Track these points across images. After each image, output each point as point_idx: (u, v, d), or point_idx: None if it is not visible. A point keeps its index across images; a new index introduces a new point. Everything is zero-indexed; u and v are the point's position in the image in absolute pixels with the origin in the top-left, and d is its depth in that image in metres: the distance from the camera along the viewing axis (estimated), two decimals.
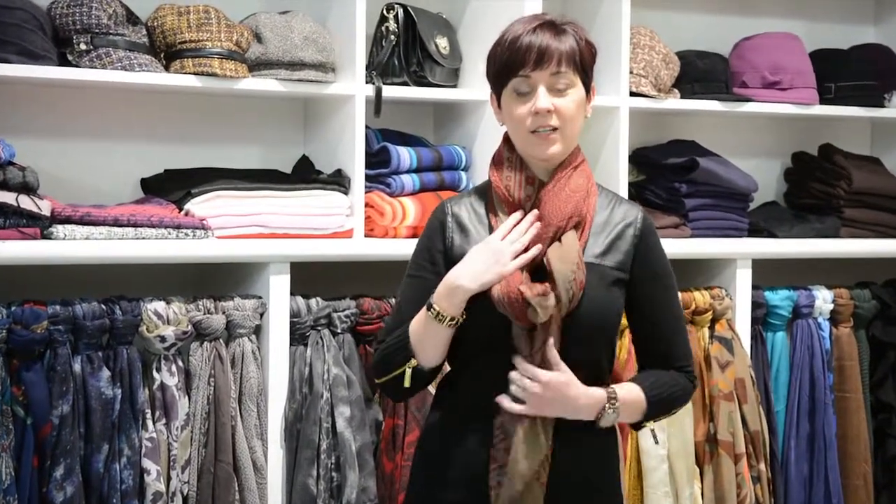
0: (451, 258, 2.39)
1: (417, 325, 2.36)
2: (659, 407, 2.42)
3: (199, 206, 3.14)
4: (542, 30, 2.33)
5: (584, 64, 2.36)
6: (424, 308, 2.34)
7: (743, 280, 3.73)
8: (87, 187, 3.29)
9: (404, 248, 3.32)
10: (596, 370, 2.39)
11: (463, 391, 2.41)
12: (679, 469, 3.52)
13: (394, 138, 3.51)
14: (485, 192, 2.45)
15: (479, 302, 2.31)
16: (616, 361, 2.49)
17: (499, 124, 2.43)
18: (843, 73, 4.12)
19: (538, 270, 2.32)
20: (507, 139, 2.42)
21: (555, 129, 2.32)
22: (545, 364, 2.29)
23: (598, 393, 2.33)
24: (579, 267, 2.30)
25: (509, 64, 2.33)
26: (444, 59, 3.53)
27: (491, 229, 2.38)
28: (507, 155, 2.40)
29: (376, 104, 3.34)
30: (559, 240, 2.32)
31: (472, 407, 2.37)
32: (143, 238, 3.01)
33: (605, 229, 2.39)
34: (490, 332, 2.32)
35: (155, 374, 2.96)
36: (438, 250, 2.41)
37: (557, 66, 2.31)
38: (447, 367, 2.47)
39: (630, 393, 2.38)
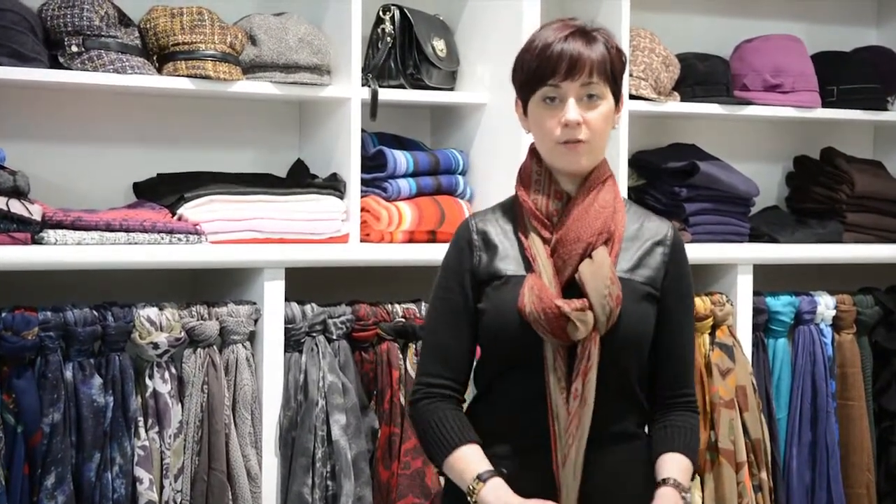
0: (479, 276, 2.35)
1: (455, 471, 2.29)
2: (696, 456, 2.41)
3: (193, 210, 3.12)
4: (574, 38, 2.28)
5: (614, 73, 2.32)
6: (469, 471, 2.26)
7: (744, 286, 3.70)
8: (79, 191, 3.26)
9: (401, 254, 3.31)
10: (627, 387, 2.34)
11: (490, 413, 2.36)
12: None
13: (390, 142, 3.48)
14: (510, 208, 2.40)
15: (509, 319, 2.28)
16: None
17: (525, 132, 2.39)
18: (845, 76, 4.10)
19: (570, 288, 2.27)
20: (532, 151, 2.37)
21: (582, 141, 2.28)
22: (586, 390, 2.24)
23: (671, 494, 2.29)
24: (613, 282, 2.26)
25: (539, 72, 2.28)
26: (441, 62, 3.51)
27: (520, 245, 2.34)
28: (535, 168, 2.35)
29: (372, 107, 3.32)
30: (590, 256, 2.28)
31: (502, 429, 2.33)
32: (136, 243, 2.98)
33: (633, 244, 2.36)
34: (520, 350, 2.28)
35: (147, 381, 2.93)
36: (466, 270, 2.37)
37: (588, 77, 2.27)
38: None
39: (683, 470, 2.34)
